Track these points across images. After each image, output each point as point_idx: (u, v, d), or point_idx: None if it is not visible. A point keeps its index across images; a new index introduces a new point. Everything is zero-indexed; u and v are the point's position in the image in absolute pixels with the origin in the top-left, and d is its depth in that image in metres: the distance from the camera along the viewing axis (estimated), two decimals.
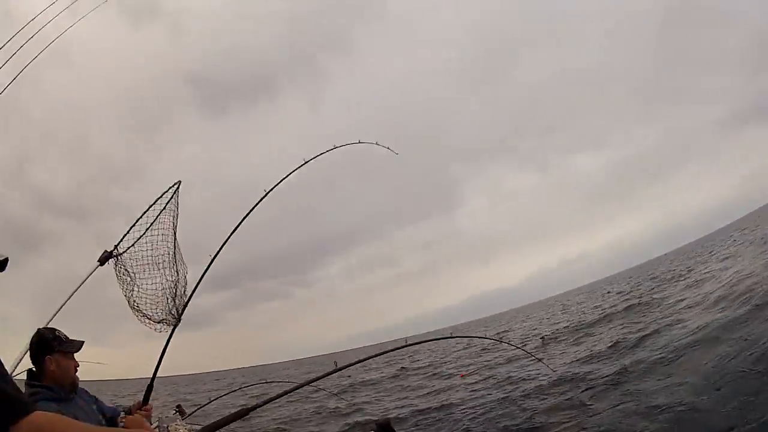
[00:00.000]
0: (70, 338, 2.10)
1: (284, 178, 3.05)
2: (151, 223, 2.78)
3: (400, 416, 7.54)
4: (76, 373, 2.10)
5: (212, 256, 2.92)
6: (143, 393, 2.80)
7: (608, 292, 30.41)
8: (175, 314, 2.81)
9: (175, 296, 2.81)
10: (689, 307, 10.51)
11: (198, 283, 2.81)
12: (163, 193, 2.86)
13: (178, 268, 2.82)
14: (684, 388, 5.34)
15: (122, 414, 2.44)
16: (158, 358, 2.85)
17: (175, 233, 2.84)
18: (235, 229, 3.04)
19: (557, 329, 16.86)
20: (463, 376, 11.95)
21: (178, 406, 3.41)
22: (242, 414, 2.21)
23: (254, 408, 2.25)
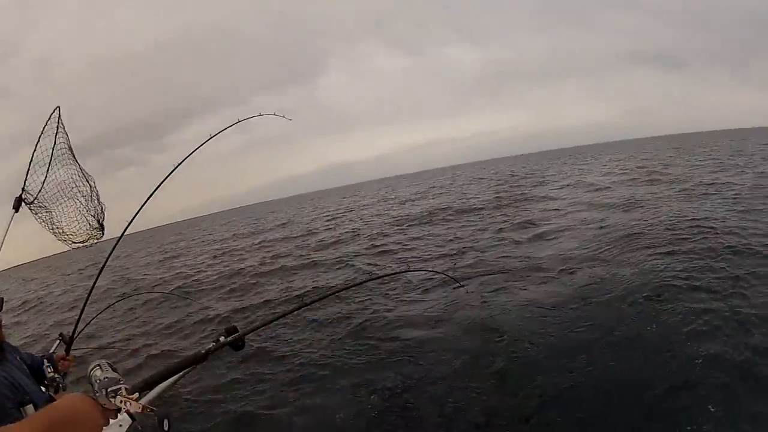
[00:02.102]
0: None
1: (191, 154, 3.19)
2: (50, 161, 2.92)
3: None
4: (1, 330, 2.06)
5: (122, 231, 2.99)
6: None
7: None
8: (98, 226, 3.10)
9: (96, 211, 3.06)
10: None
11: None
12: (46, 123, 2.98)
13: (89, 182, 3.05)
14: None
15: (46, 363, 2.39)
16: (87, 294, 2.93)
17: (73, 155, 3.02)
18: (147, 199, 3.10)
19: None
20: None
21: (61, 335, 2.95)
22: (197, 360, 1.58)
23: (209, 353, 1.57)
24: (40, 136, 3.01)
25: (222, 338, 1.59)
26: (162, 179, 3.15)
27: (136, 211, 3.01)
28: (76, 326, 2.90)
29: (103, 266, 3.02)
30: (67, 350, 2.72)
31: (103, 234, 3.13)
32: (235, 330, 1.61)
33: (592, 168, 28.11)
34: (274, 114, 3.45)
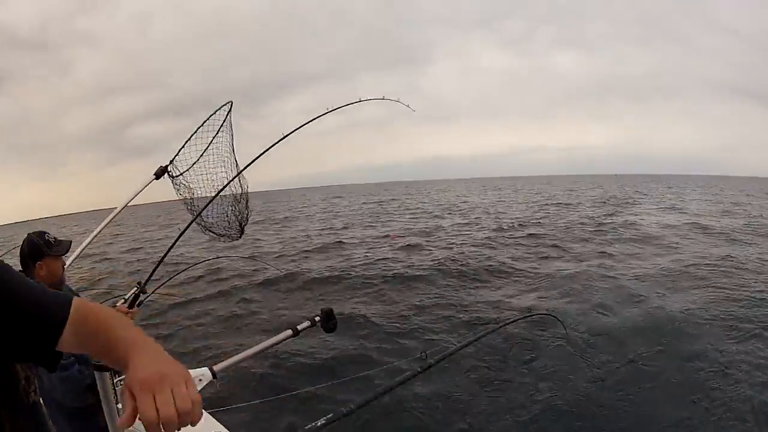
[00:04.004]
0: (59, 239, 2.12)
1: (305, 124, 2.92)
2: (207, 147, 2.80)
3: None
4: (64, 272, 2.14)
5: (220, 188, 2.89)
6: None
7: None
8: (239, 229, 3.01)
9: (241, 215, 2.96)
10: None
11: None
12: (215, 111, 2.84)
13: (242, 186, 2.93)
14: None
15: None
16: (164, 253, 2.62)
17: (235, 157, 2.89)
18: (252, 161, 2.95)
19: None
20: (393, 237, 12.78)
21: (139, 284, 2.64)
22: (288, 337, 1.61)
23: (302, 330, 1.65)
24: (204, 122, 2.90)
25: (317, 318, 1.67)
26: (268, 146, 2.99)
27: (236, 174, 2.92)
28: (149, 276, 2.56)
29: (190, 224, 2.89)
30: (131, 304, 2.38)
31: (240, 236, 3.05)
32: (330, 312, 1.69)
33: None
34: (398, 101, 3.20)
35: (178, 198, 3.12)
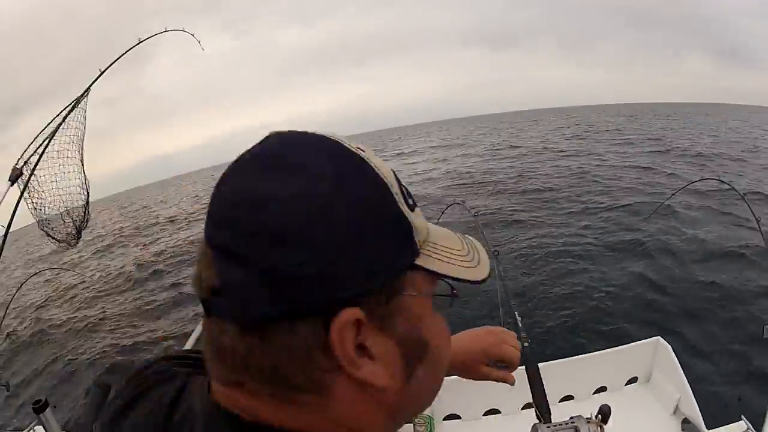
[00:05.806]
0: None
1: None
2: (49, 135, 2.51)
3: None
4: None
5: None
6: None
7: None
8: (76, 233, 2.70)
9: (80, 220, 2.66)
10: None
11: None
12: (69, 104, 2.61)
13: (88, 187, 2.64)
14: None
15: None
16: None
17: (82, 150, 2.63)
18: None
19: None
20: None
21: None
22: None
23: None
24: (57, 115, 2.63)
25: None
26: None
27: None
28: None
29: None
30: None
31: (77, 242, 2.72)
32: None
33: None
34: (183, 29, 2.72)
35: (28, 207, 2.73)
